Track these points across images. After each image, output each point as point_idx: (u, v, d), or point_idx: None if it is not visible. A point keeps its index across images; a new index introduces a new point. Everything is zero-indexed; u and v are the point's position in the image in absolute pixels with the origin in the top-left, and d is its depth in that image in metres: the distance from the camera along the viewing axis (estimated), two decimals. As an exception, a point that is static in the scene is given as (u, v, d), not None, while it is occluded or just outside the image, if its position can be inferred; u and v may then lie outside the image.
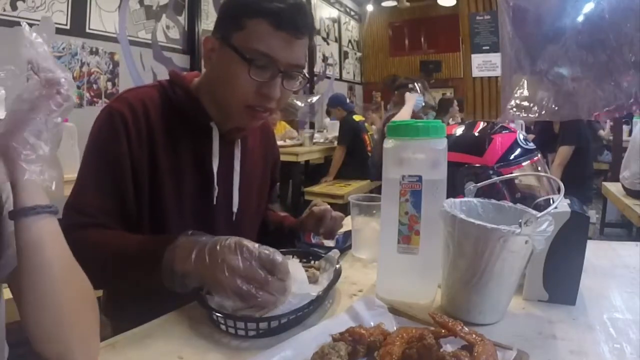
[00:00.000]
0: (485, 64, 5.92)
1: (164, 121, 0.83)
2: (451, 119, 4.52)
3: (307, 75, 0.85)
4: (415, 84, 3.30)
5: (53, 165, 0.50)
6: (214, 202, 0.87)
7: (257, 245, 0.62)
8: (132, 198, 0.80)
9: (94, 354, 0.54)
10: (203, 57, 0.85)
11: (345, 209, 1.03)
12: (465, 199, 0.72)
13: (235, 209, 0.91)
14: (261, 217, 1.06)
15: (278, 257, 0.62)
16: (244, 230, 0.94)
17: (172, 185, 0.83)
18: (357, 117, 4.15)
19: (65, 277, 0.51)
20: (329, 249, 0.84)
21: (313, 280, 0.74)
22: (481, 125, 0.97)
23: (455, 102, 4.58)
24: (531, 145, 0.92)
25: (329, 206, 0.99)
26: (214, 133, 0.86)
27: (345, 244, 0.99)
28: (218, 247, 0.62)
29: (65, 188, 0.77)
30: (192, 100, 0.85)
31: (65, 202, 0.78)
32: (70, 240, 0.71)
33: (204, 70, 0.89)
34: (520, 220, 0.57)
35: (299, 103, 5.16)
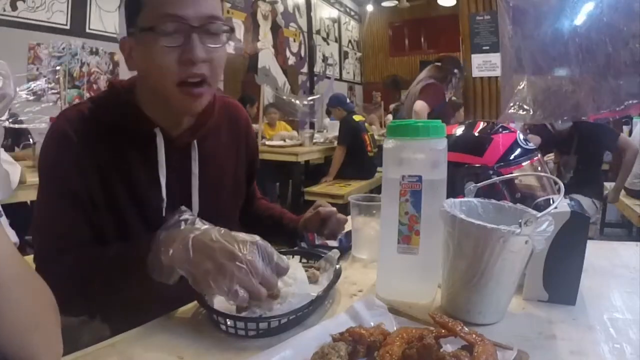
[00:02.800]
0: (485, 64, 5.93)
1: (105, 135, 0.78)
2: (453, 123, 4.53)
3: (231, 27, 0.77)
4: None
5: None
6: (163, 214, 0.81)
7: (275, 253, 0.63)
8: (92, 216, 0.77)
9: (58, 355, 0.53)
10: (126, 64, 0.78)
11: (345, 209, 1.03)
12: (465, 199, 0.72)
13: (195, 214, 0.85)
14: (236, 216, 1.02)
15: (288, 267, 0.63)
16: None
17: (125, 199, 0.79)
18: (357, 117, 4.14)
19: (21, 284, 0.50)
20: (333, 249, 0.84)
21: (313, 280, 0.74)
22: (481, 125, 0.97)
23: (462, 109, 4.57)
24: (531, 145, 0.92)
25: (334, 208, 0.98)
26: (158, 141, 0.80)
27: (348, 244, 0.99)
28: (226, 237, 0.62)
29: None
30: (130, 109, 0.80)
31: (33, 227, 0.78)
32: (50, 270, 0.68)
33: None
34: (520, 220, 0.57)
35: (298, 103, 5.16)
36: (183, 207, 0.71)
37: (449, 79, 3.30)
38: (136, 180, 0.80)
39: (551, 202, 0.71)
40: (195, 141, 0.85)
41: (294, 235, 1.03)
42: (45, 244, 0.76)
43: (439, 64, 3.35)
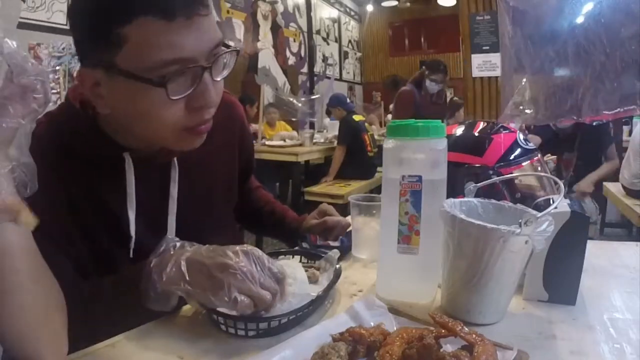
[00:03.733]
0: (485, 64, 5.94)
1: (69, 164, 0.68)
2: (453, 123, 4.56)
3: (230, 44, 0.64)
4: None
5: (28, 169, 0.48)
6: (130, 254, 0.72)
7: (266, 257, 0.62)
8: (75, 234, 0.70)
9: (63, 354, 0.53)
10: (88, 96, 0.64)
11: (345, 209, 1.03)
12: (465, 199, 0.72)
13: (171, 236, 0.76)
14: (229, 223, 0.97)
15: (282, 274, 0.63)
16: (202, 241, 0.77)
17: (94, 233, 0.71)
18: (357, 117, 4.14)
19: (33, 280, 0.50)
20: (333, 249, 0.84)
21: (313, 280, 0.74)
22: (481, 125, 0.97)
23: (462, 108, 4.60)
24: (531, 145, 0.92)
25: (340, 217, 0.98)
26: (127, 168, 0.70)
27: (348, 244, 0.99)
28: (216, 252, 0.61)
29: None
30: (93, 133, 0.69)
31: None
32: None
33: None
34: (520, 220, 0.57)
35: (298, 103, 5.16)
36: (169, 236, 0.67)
37: (422, 82, 3.44)
38: (104, 212, 0.71)
39: (551, 202, 0.71)
40: (175, 159, 0.76)
41: (294, 235, 1.03)
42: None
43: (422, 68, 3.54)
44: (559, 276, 0.70)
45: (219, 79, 0.63)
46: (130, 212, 0.72)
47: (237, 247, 0.62)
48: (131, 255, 0.74)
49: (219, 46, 0.62)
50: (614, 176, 2.90)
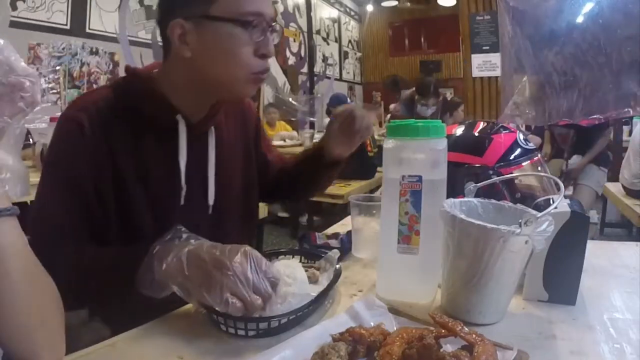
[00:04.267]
0: (485, 64, 5.94)
1: (124, 122, 0.77)
2: (452, 122, 4.56)
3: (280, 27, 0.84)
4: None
5: (17, 173, 0.47)
6: (181, 202, 0.82)
7: (264, 260, 0.63)
8: (96, 206, 0.76)
9: (61, 354, 0.53)
10: (173, 46, 0.76)
11: (345, 209, 1.03)
12: (465, 199, 0.72)
13: (211, 202, 0.86)
14: (255, 199, 1.01)
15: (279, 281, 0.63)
16: (224, 222, 0.90)
17: (139, 188, 0.78)
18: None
19: (28, 280, 0.50)
20: (333, 249, 0.84)
21: (313, 280, 0.74)
22: (481, 125, 0.97)
23: (462, 107, 4.59)
24: (531, 145, 0.92)
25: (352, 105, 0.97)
26: (180, 128, 0.80)
27: (349, 244, 0.99)
28: (217, 250, 0.62)
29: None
30: (153, 95, 0.79)
31: (32, 215, 0.74)
32: (41, 257, 0.67)
33: (166, 61, 0.81)
34: (520, 220, 0.57)
35: (298, 103, 5.16)
36: (179, 226, 0.70)
37: (414, 105, 3.51)
38: (155, 167, 0.80)
39: (551, 202, 0.71)
40: (212, 128, 0.86)
41: (332, 165, 1.01)
42: (39, 235, 0.73)
43: None
44: (559, 276, 0.70)
45: (275, 41, 0.79)
46: (182, 165, 0.81)
47: (238, 247, 0.62)
48: (182, 202, 0.82)
49: (274, 18, 0.78)
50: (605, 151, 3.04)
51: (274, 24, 0.78)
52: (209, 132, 0.86)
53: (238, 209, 0.95)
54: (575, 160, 3.08)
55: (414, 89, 3.95)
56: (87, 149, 0.74)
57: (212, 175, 0.86)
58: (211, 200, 0.86)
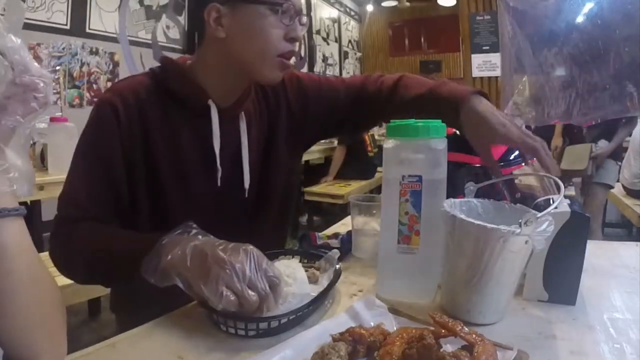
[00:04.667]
0: (485, 64, 5.93)
1: (158, 107, 0.82)
2: None
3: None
4: None
5: (24, 174, 0.47)
6: (218, 184, 0.85)
7: (265, 259, 0.63)
8: (126, 190, 0.80)
9: (62, 355, 0.53)
10: (207, 30, 0.81)
11: (345, 209, 1.03)
12: (465, 199, 0.72)
13: (247, 185, 0.89)
14: (292, 185, 1.03)
15: (280, 282, 0.63)
16: (261, 205, 0.93)
17: (172, 172, 0.82)
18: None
19: (32, 280, 0.50)
20: (333, 249, 0.83)
21: (313, 280, 0.74)
22: (481, 125, 0.96)
23: None
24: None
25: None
26: (212, 112, 0.83)
27: (349, 245, 0.99)
28: (221, 246, 0.62)
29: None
30: (186, 80, 0.83)
31: (60, 194, 0.78)
32: (60, 233, 0.76)
33: (200, 49, 0.85)
34: (520, 220, 0.57)
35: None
36: (190, 222, 0.70)
37: None
38: (190, 152, 0.83)
39: (551, 202, 0.71)
40: (242, 112, 0.88)
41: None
42: (65, 210, 0.77)
43: None
44: (559, 276, 0.70)
45: (303, 27, 0.82)
46: (216, 148, 0.83)
47: (240, 245, 0.62)
48: (219, 184, 0.85)
49: (300, 5, 0.82)
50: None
51: (302, 14, 0.82)
52: (239, 116, 0.88)
53: (278, 185, 0.96)
54: (602, 145, 2.97)
55: None
56: (121, 132, 0.78)
57: (247, 158, 0.88)
58: (247, 183, 0.88)
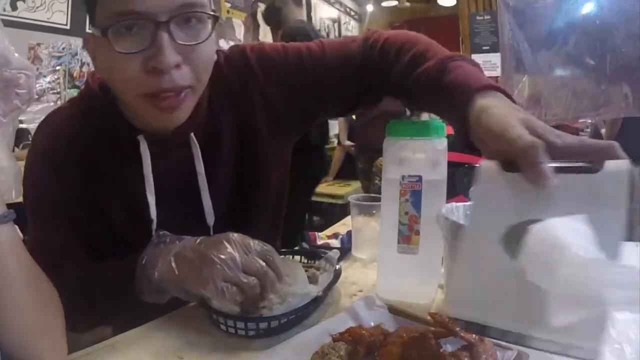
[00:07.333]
0: (485, 64, 5.92)
1: (90, 145, 0.70)
2: None
3: (211, 12, 0.61)
4: None
5: (12, 175, 0.46)
6: (152, 237, 0.68)
7: (249, 239, 0.61)
8: (88, 230, 0.73)
9: (63, 356, 0.53)
10: (94, 65, 0.67)
11: (345, 209, 1.02)
12: (470, 202, 0.72)
13: (210, 222, 0.76)
14: (279, 197, 0.87)
15: (274, 253, 0.62)
16: (244, 222, 0.76)
17: (119, 212, 0.73)
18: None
19: (28, 284, 0.50)
20: (333, 249, 0.83)
21: (313, 280, 0.74)
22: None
23: None
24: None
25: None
26: (142, 149, 0.68)
27: (349, 244, 0.99)
28: (202, 244, 0.61)
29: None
30: (109, 115, 0.69)
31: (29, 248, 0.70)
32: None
33: None
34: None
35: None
36: (161, 232, 0.67)
37: None
38: (125, 197, 0.73)
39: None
40: (192, 135, 0.72)
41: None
42: (40, 265, 0.67)
43: None
44: (559, 276, 0.69)
45: (181, 42, 0.58)
46: (149, 195, 0.70)
47: (220, 236, 0.61)
48: (153, 236, 0.71)
49: (189, 6, 0.58)
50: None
51: (185, 15, 0.57)
52: (190, 141, 0.72)
53: (259, 204, 0.83)
54: None
55: None
56: (64, 183, 0.70)
57: (206, 190, 0.74)
58: (210, 219, 0.75)
